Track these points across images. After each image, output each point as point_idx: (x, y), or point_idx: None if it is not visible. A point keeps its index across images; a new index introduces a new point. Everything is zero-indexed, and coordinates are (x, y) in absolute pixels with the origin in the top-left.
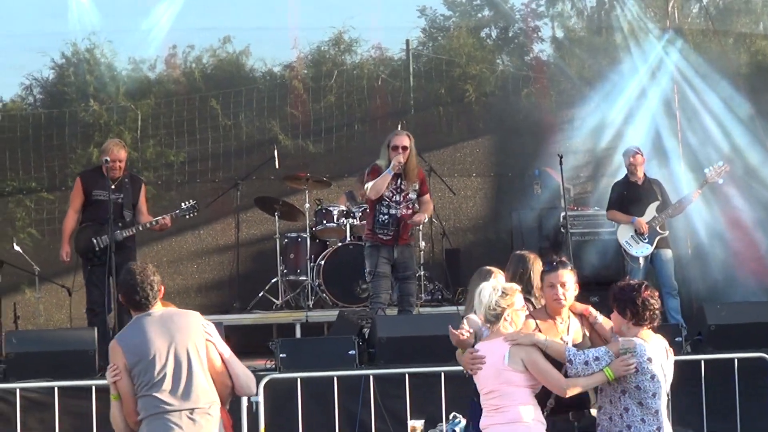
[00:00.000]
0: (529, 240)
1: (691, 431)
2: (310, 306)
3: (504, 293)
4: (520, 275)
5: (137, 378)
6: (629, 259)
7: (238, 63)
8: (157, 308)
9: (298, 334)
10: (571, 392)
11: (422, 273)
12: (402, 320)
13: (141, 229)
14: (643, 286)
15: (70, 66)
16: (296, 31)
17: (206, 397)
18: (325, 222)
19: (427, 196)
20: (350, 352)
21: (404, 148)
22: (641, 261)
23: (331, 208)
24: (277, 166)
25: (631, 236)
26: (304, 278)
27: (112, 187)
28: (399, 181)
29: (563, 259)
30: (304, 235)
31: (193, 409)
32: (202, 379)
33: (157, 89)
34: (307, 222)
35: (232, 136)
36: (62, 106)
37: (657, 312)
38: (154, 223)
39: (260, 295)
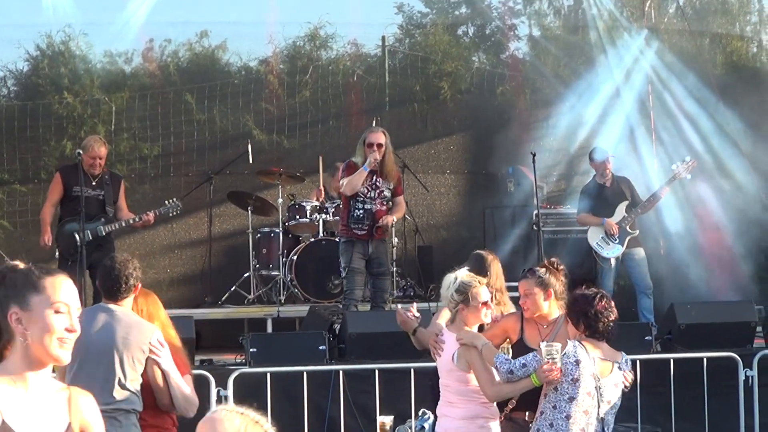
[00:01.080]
0: (501, 238)
1: (660, 431)
2: (282, 301)
3: (459, 289)
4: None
5: None
6: (600, 260)
7: (214, 57)
8: (126, 304)
9: (269, 329)
10: (496, 399)
11: (395, 269)
12: (372, 316)
13: (124, 225)
14: (598, 296)
15: (45, 58)
16: (273, 26)
17: (127, 399)
18: (297, 217)
19: (401, 198)
20: (320, 348)
21: (379, 145)
22: (612, 262)
23: (304, 204)
24: (250, 161)
25: (602, 237)
26: (276, 273)
27: (93, 183)
28: (374, 177)
29: (535, 267)
30: (277, 230)
31: (113, 410)
32: (120, 386)
33: (131, 82)
34: (280, 217)
35: (206, 130)
36: (36, 99)
37: (611, 324)
38: (137, 219)
39: (232, 289)
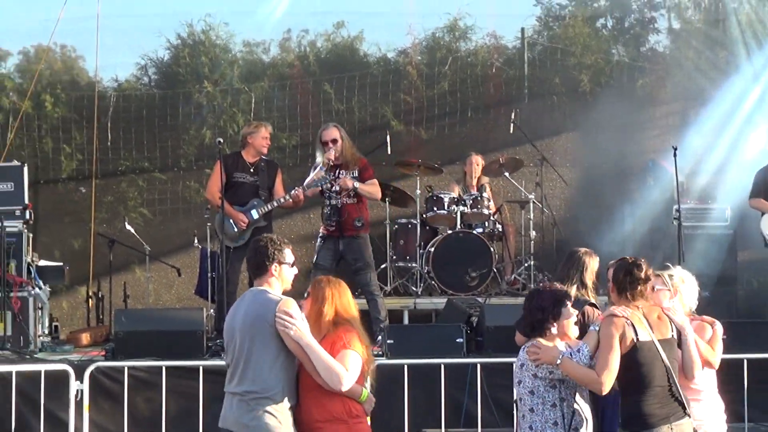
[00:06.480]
0: (640, 231)
1: None
2: (419, 293)
3: None
4: (570, 273)
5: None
6: None
7: (352, 48)
8: (273, 283)
9: (406, 321)
10: None
11: (532, 262)
12: (511, 309)
13: (276, 205)
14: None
15: (186, 47)
16: (411, 17)
17: (259, 384)
18: (435, 209)
19: (372, 181)
20: (458, 340)
21: (333, 141)
22: None
23: (442, 195)
24: (388, 152)
25: None
26: (414, 265)
27: (251, 170)
28: (337, 171)
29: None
30: (415, 222)
31: (244, 392)
32: (259, 367)
33: (271, 72)
34: (418, 208)
35: (344, 121)
36: (176, 87)
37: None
38: (288, 198)
39: None
